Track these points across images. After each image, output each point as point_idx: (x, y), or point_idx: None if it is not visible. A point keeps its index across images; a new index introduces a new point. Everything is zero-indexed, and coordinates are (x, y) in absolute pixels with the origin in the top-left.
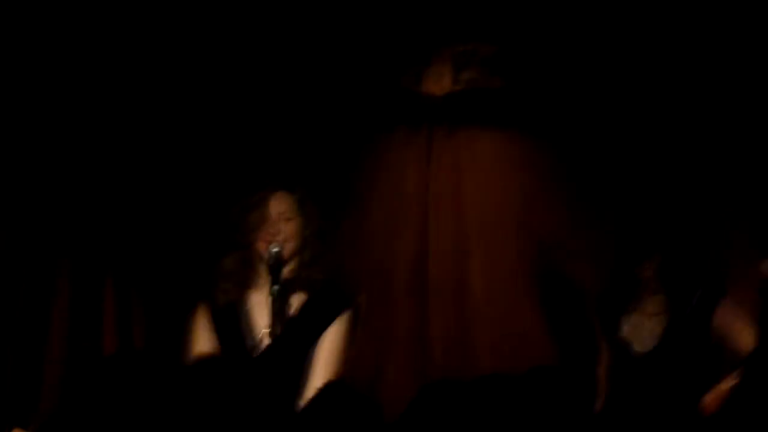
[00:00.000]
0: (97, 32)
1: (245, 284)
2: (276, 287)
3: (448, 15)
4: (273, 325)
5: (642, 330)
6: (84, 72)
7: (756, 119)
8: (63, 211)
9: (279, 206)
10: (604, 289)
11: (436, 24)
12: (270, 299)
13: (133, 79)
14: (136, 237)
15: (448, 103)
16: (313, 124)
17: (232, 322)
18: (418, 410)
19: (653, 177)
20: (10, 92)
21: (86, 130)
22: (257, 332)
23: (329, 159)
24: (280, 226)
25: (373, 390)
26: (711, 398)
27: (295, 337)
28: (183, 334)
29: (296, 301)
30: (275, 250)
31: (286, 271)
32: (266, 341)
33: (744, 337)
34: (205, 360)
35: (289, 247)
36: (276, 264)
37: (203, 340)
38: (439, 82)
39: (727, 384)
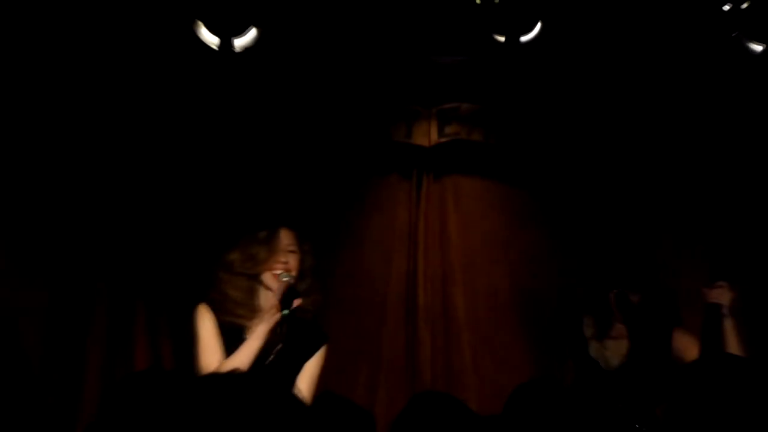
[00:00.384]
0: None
1: (254, 310)
2: (286, 312)
3: (435, 78)
4: (283, 344)
5: (607, 351)
6: (128, 115)
7: (700, 166)
8: (100, 242)
9: (286, 239)
10: (574, 316)
11: (424, 86)
12: (277, 323)
13: (168, 133)
14: (163, 266)
15: (434, 153)
16: (317, 171)
17: (233, 336)
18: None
19: (614, 221)
20: (48, 130)
21: (121, 173)
22: (267, 352)
23: (331, 201)
24: (288, 258)
25: (367, 406)
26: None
27: (286, 357)
28: (192, 342)
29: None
30: (286, 279)
31: (299, 299)
32: (270, 359)
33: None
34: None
35: (291, 275)
36: (288, 291)
37: (214, 342)
38: (427, 135)
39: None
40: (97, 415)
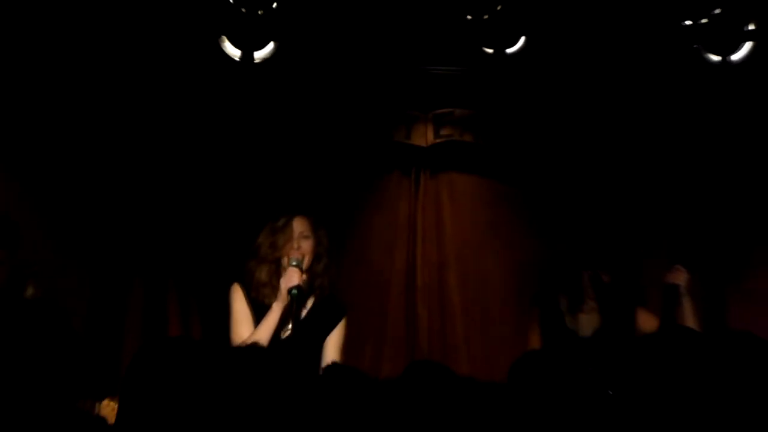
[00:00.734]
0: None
1: (277, 290)
2: (294, 291)
3: (431, 86)
4: (293, 319)
5: (580, 323)
6: (159, 117)
7: (664, 166)
8: (137, 232)
9: (300, 227)
10: (552, 293)
11: (421, 93)
12: (289, 300)
13: (199, 134)
14: (192, 254)
15: (431, 153)
16: (328, 169)
17: (262, 311)
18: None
19: (590, 213)
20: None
21: (156, 170)
22: (282, 326)
23: (339, 195)
24: (301, 243)
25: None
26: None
27: (307, 334)
28: (228, 316)
29: (309, 302)
30: (294, 263)
31: (303, 279)
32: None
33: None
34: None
35: (306, 261)
36: (295, 274)
37: (246, 318)
38: (424, 137)
39: None
40: (126, 372)
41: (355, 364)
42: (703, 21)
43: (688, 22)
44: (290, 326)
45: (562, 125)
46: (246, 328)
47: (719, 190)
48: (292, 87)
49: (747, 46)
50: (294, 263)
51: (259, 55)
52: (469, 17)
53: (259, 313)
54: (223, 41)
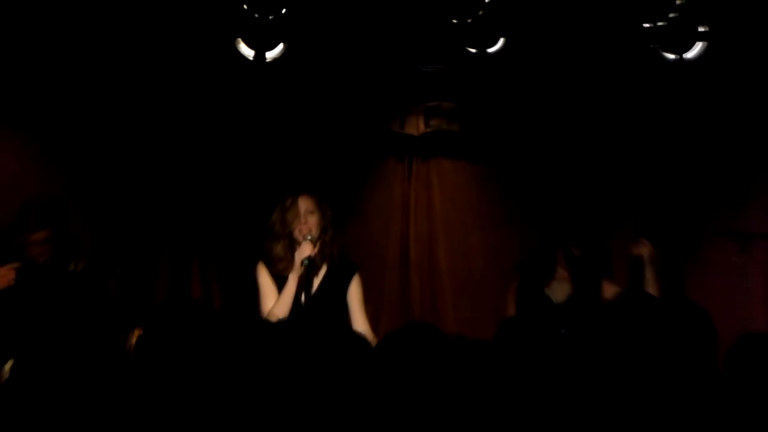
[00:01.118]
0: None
1: (292, 262)
2: (306, 261)
3: (422, 82)
4: (304, 287)
5: (553, 291)
6: (181, 107)
7: (627, 153)
8: (164, 211)
9: (305, 204)
10: (532, 264)
11: (414, 88)
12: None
13: (218, 126)
14: (213, 229)
15: (422, 141)
16: (332, 155)
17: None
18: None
19: (563, 194)
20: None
21: (179, 157)
22: (300, 294)
23: (342, 178)
24: (308, 218)
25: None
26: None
27: (327, 294)
28: (256, 291)
29: (323, 270)
30: (309, 237)
31: (314, 250)
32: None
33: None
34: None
35: (314, 233)
36: (306, 246)
37: (272, 292)
38: (416, 127)
39: None
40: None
41: None
42: (661, 24)
43: (647, 25)
44: (306, 293)
45: (537, 116)
46: (271, 299)
47: (677, 172)
48: (300, 83)
49: (699, 46)
50: (309, 238)
51: (270, 54)
52: (454, 21)
53: (281, 285)
54: (239, 43)
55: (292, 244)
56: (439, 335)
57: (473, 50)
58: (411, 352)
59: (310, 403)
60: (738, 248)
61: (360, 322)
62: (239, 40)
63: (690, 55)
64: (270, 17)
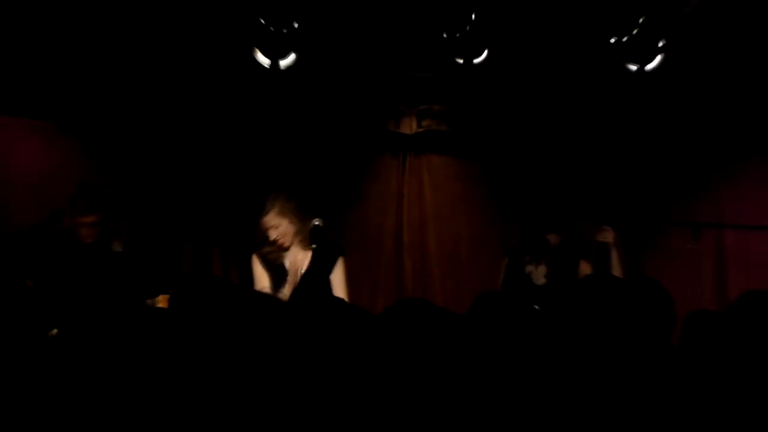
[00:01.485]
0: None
1: (280, 250)
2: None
3: (415, 88)
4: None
5: (535, 272)
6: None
7: (596, 154)
8: (188, 209)
9: (267, 224)
10: (514, 249)
11: (408, 93)
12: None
13: (235, 128)
14: (230, 223)
15: (414, 139)
16: (334, 152)
17: (278, 269)
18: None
19: (540, 186)
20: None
21: (199, 164)
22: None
23: (345, 172)
24: (274, 236)
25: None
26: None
27: (315, 274)
28: (250, 273)
29: (307, 259)
30: (316, 223)
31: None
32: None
33: None
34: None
35: (286, 241)
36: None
37: (264, 279)
38: (410, 127)
39: None
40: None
41: (356, 298)
42: (625, 39)
43: (613, 40)
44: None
45: (517, 118)
46: (265, 284)
47: (638, 169)
48: (309, 88)
49: (658, 58)
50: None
51: (283, 63)
52: (445, 35)
53: (271, 268)
54: (256, 52)
55: (274, 244)
56: (429, 309)
57: (461, 60)
58: (405, 325)
59: (322, 364)
60: (691, 236)
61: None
62: (256, 50)
63: (650, 66)
64: (283, 30)
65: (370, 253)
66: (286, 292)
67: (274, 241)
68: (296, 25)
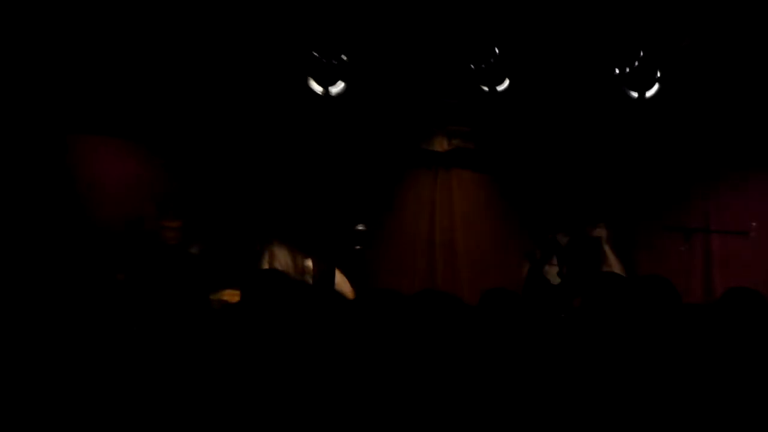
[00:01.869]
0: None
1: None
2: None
3: (446, 111)
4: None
5: (550, 273)
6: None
7: (599, 168)
8: (249, 213)
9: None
10: (532, 253)
11: (440, 116)
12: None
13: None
14: (287, 227)
15: (445, 156)
16: (379, 166)
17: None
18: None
19: (551, 196)
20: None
21: (253, 176)
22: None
23: (386, 185)
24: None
25: None
26: (577, 301)
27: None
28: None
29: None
30: (360, 228)
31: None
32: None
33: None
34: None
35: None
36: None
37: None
38: (441, 145)
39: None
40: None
41: (396, 288)
42: (627, 69)
43: (616, 70)
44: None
45: (533, 137)
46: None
47: (637, 182)
48: (356, 112)
49: (656, 87)
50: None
51: (333, 90)
52: (472, 66)
53: None
54: (310, 81)
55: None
56: (458, 303)
57: (485, 88)
58: (437, 315)
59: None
60: (682, 239)
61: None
62: (310, 79)
63: (649, 93)
64: (334, 62)
65: (407, 251)
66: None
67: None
68: (345, 58)
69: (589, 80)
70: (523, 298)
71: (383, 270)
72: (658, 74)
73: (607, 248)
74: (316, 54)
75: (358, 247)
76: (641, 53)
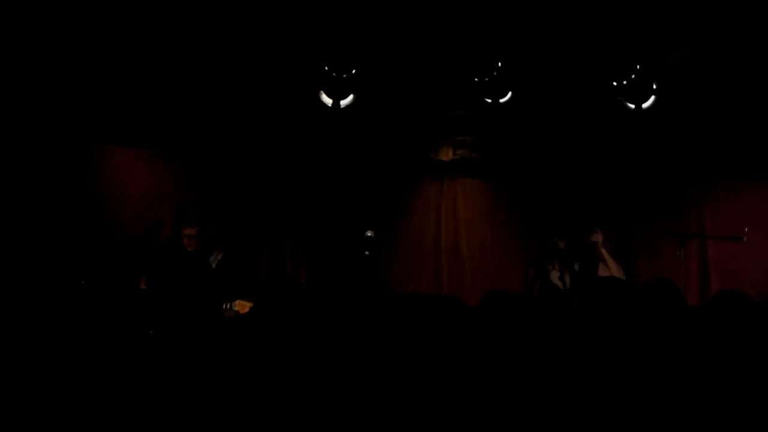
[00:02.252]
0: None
1: None
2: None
3: (451, 123)
4: None
5: (553, 277)
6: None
7: (594, 177)
8: (266, 218)
9: None
10: (538, 258)
11: (445, 127)
12: None
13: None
14: (300, 230)
15: (451, 165)
16: (389, 175)
17: None
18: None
19: (550, 203)
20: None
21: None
22: None
23: (396, 192)
24: None
25: None
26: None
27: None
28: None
29: None
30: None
31: None
32: None
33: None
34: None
35: None
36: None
37: None
38: (447, 155)
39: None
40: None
41: (403, 289)
42: (624, 82)
43: (614, 83)
44: None
45: (534, 147)
46: None
47: (636, 192)
48: (366, 123)
49: (652, 98)
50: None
51: (343, 103)
52: (476, 79)
53: None
54: (321, 94)
55: None
56: (462, 306)
57: (489, 100)
58: (443, 316)
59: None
60: (679, 244)
61: None
62: (321, 92)
63: (645, 104)
64: (344, 76)
65: (414, 255)
66: None
67: None
68: (354, 72)
69: (588, 93)
70: (522, 300)
71: (392, 273)
72: (654, 86)
73: (604, 252)
74: (326, 68)
75: (367, 252)
76: (638, 66)
